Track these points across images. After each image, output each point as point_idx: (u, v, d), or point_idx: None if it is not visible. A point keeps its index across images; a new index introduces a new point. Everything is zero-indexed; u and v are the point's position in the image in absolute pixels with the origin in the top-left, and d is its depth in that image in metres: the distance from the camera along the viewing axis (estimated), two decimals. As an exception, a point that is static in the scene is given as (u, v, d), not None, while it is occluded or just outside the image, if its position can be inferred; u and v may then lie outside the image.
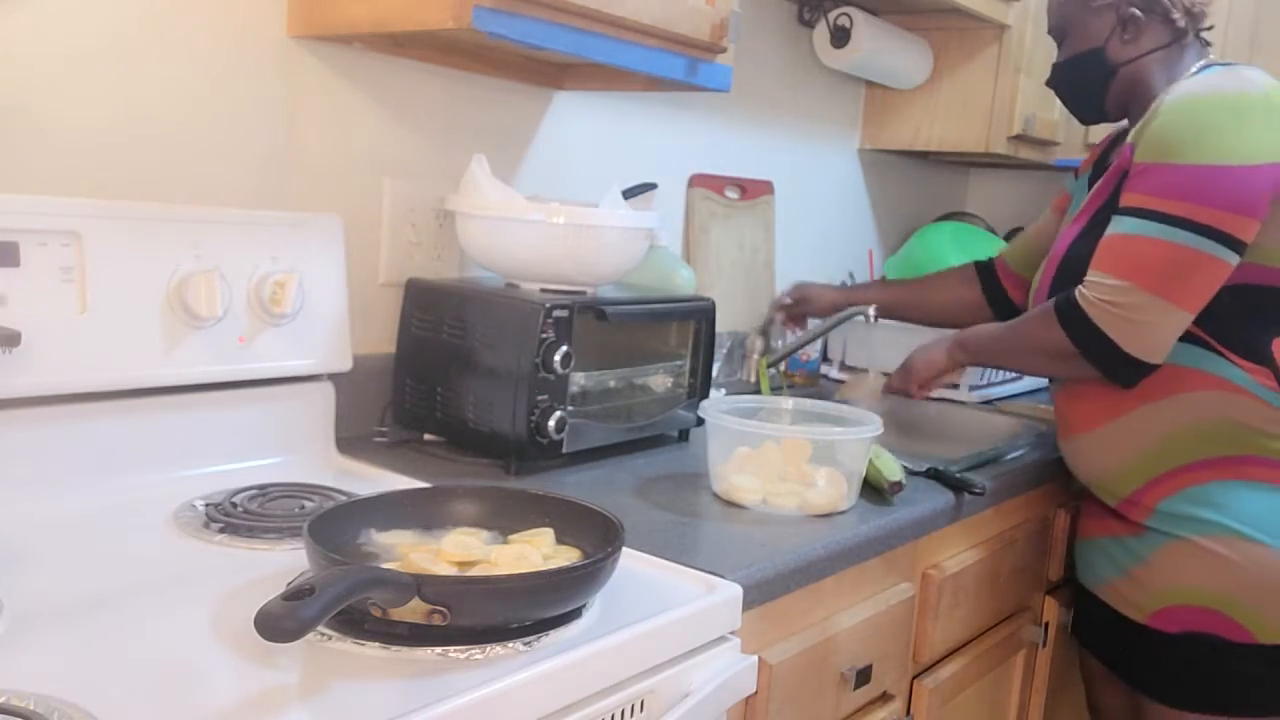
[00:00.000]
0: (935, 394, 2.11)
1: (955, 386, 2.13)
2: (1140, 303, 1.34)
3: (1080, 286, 1.39)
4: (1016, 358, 1.53)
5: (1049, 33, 1.63)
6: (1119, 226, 1.39)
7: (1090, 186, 1.58)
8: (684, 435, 1.60)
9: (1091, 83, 1.57)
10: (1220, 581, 1.41)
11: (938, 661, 1.51)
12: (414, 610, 0.81)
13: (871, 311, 2.01)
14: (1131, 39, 1.52)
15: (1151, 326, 1.35)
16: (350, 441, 1.41)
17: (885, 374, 1.76)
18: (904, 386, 1.68)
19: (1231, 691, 1.45)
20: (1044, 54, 2.33)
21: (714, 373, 1.72)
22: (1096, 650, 1.64)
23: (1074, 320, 1.39)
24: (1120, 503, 1.50)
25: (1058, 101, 2.40)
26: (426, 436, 1.45)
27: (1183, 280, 1.34)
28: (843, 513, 1.29)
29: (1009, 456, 1.66)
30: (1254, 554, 1.39)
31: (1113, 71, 1.54)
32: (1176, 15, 1.50)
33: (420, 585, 0.80)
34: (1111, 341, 1.37)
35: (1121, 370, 1.39)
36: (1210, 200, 1.33)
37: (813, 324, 2.11)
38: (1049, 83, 1.66)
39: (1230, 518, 1.41)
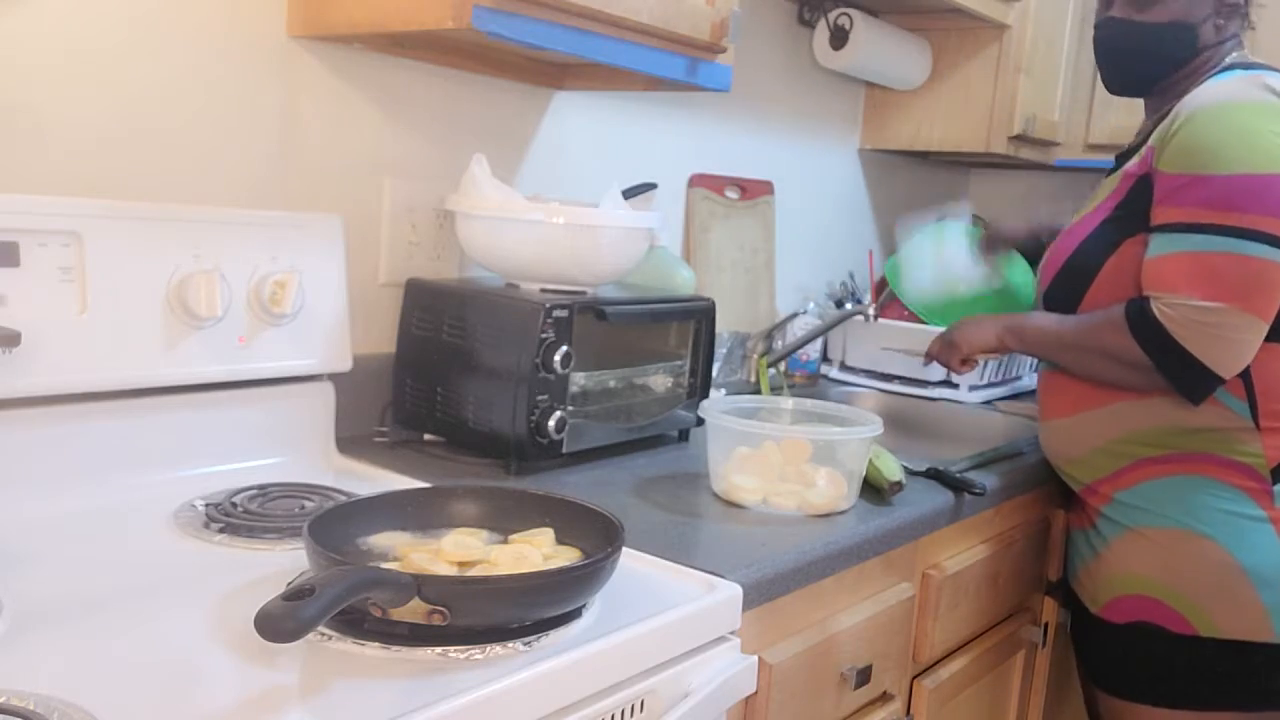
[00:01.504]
0: (934, 394, 2.12)
1: (955, 386, 2.13)
2: (1236, 322, 1.32)
3: (1156, 303, 1.36)
4: (1076, 357, 1.48)
5: None
6: (1180, 244, 1.35)
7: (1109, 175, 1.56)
8: (684, 435, 1.60)
9: (1168, 55, 1.49)
10: (1165, 573, 1.44)
11: (938, 661, 1.51)
12: (414, 610, 0.81)
13: (872, 311, 2.01)
14: (1222, 25, 1.48)
15: (1245, 345, 1.34)
16: (350, 441, 1.41)
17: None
18: (947, 360, 1.64)
19: (1173, 683, 1.47)
20: (1044, 54, 2.33)
21: (714, 373, 1.72)
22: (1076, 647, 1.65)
23: (1151, 334, 1.36)
24: (1083, 489, 1.55)
25: (1058, 101, 2.43)
26: (426, 436, 1.45)
27: (1264, 293, 1.33)
28: (842, 513, 1.29)
29: (1009, 456, 1.66)
30: (1199, 549, 1.42)
31: (1195, 53, 1.48)
32: (1252, 11, 1.50)
33: (420, 585, 0.81)
34: (1194, 359, 1.35)
35: (1200, 385, 1.38)
36: (1271, 209, 1.31)
37: (813, 324, 2.11)
38: (1099, 33, 1.56)
39: (1181, 512, 1.43)
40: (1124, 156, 1.55)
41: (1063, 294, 1.51)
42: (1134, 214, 1.43)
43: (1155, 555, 1.45)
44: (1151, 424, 1.45)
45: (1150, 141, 1.44)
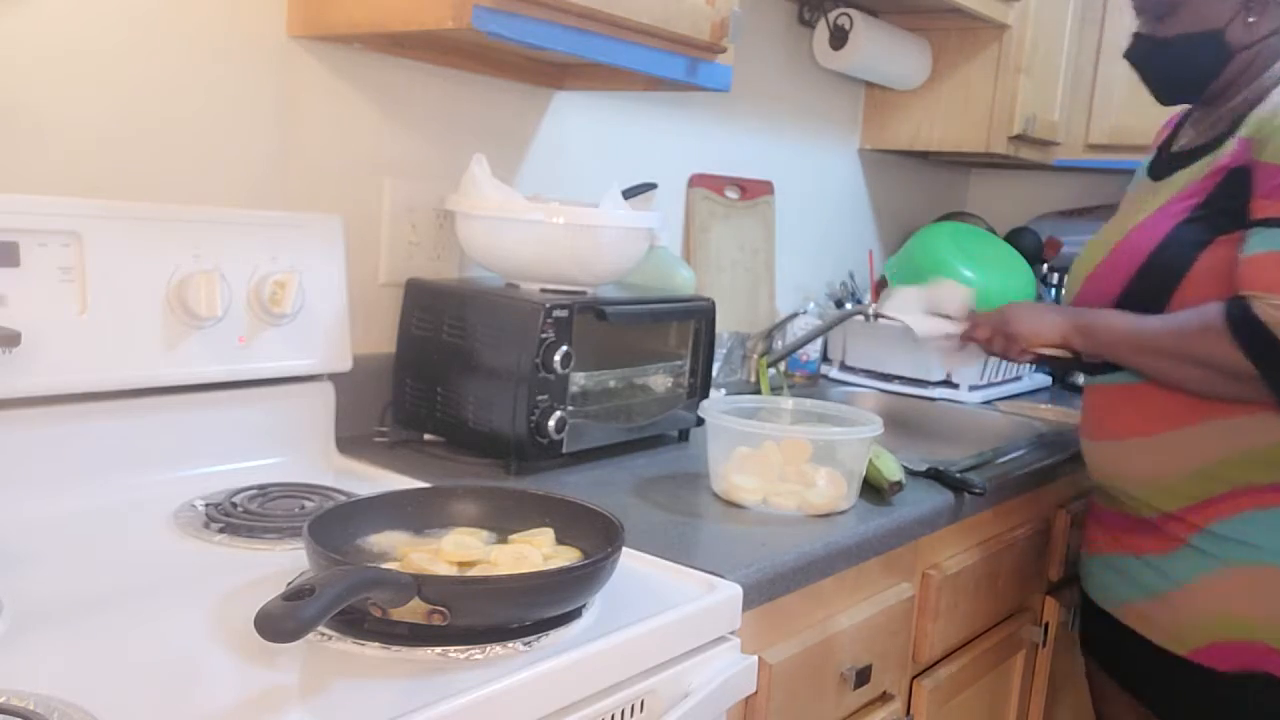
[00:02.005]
0: (934, 394, 2.12)
1: (955, 386, 2.13)
2: None
3: (1260, 303, 1.24)
4: (1159, 362, 1.34)
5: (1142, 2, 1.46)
6: None
7: (1152, 172, 1.48)
8: (684, 435, 1.60)
9: (1201, 65, 1.42)
10: (1271, 615, 1.31)
11: (938, 661, 1.51)
12: (414, 610, 0.81)
13: (871, 311, 2.01)
14: (1255, 22, 1.39)
15: None
16: (350, 441, 1.41)
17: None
18: (1004, 351, 1.51)
19: None
20: (1044, 54, 2.33)
21: (714, 373, 1.72)
22: (1111, 670, 1.53)
23: (1255, 338, 1.24)
24: (1161, 517, 1.39)
25: (1058, 101, 2.43)
26: (426, 436, 1.45)
27: None
28: (842, 513, 1.29)
29: (1009, 456, 1.66)
30: None
31: (1230, 56, 1.40)
32: None
33: (420, 585, 0.81)
34: None
35: None
36: None
37: (813, 324, 2.11)
38: (1129, 54, 1.49)
39: None
40: (1182, 156, 1.45)
41: (1146, 295, 1.37)
42: (1225, 210, 1.32)
43: (1257, 594, 1.31)
44: (1256, 445, 1.31)
45: (1242, 133, 1.34)
